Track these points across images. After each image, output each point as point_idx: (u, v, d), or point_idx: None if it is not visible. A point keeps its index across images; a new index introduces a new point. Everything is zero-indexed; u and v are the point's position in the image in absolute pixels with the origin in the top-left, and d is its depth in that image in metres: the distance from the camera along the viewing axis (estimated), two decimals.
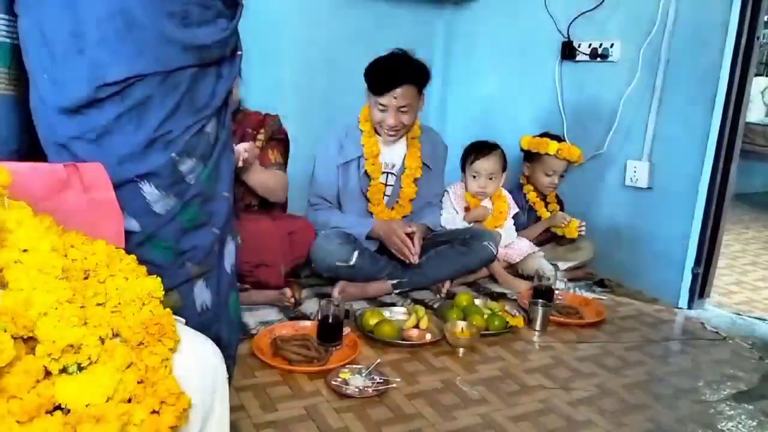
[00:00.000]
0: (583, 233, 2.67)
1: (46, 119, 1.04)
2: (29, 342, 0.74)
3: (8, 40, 1.08)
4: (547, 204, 2.79)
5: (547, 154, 2.65)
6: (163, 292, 0.87)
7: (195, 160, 1.10)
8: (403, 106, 2.31)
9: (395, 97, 2.29)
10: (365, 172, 2.45)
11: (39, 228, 0.81)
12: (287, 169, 2.32)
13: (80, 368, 0.75)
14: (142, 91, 1.01)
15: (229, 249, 1.25)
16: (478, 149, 2.64)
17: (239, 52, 1.21)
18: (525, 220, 2.76)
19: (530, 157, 2.74)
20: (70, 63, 0.99)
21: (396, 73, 2.28)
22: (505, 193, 2.71)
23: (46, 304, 0.74)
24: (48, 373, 0.73)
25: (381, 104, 2.31)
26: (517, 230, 2.71)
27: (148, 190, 1.05)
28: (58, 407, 0.72)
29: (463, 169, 2.68)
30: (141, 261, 1.00)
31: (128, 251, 1.00)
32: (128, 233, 1.04)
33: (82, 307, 0.79)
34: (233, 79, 1.18)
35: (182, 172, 1.08)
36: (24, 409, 0.68)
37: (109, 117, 1.01)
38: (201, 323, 1.14)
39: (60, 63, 0.99)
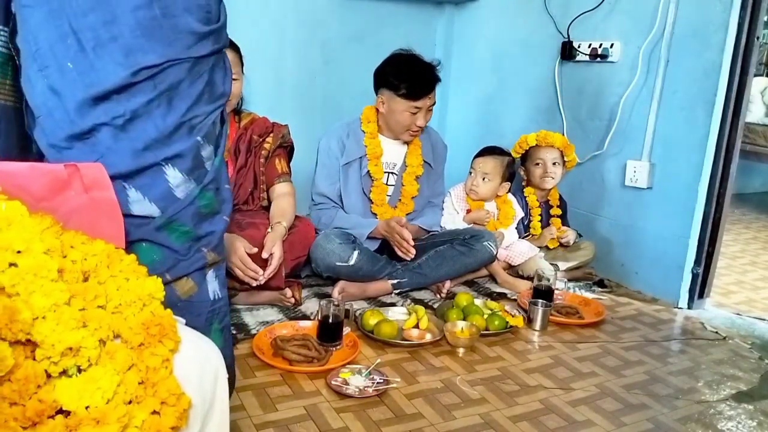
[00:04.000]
0: (569, 243, 2.68)
1: (64, 113, 1.03)
2: (28, 345, 0.74)
3: (6, 51, 1.08)
4: (550, 207, 2.78)
5: (530, 147, 2.70)
6: (179, 279, 0.87)
7: (212, 147, 1.15)
8: (432, 105, 2.40)
9: (429, 98, 2.36)
10: (368, 172, 2.45)
11: (32, 228, 0.80)
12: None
13: (80, 371, 0.75)
14: (175, 76, 1.05)
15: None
16: (485, 149, 2.67)
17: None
18: (522, 226, 2.75)
19: (523, 160, 2.77)
20: (104, 50, 1.01)
21: (432, 76, 2.36)
22: (510, 197, 2.71)
23: (43, 307, 0.74)
24: (49, 377, 0.73)
25: (416, 107, 2.35)
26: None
27: (172, 173, 1.08)
28: (59, 411, 0.72)
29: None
30: (159, 245, 1.06)
31: (147, 236, 1.06)
32: (147, 218, 1.07)
33: (81, 309, 0.78)
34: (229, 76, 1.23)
35: (203, 157, 1.13)
36: (26, 416, 0.68)
37: (140, 102, 1.03)
38: (214, 310, 1.18)
39: (90, 51, 1.01)
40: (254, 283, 1.98)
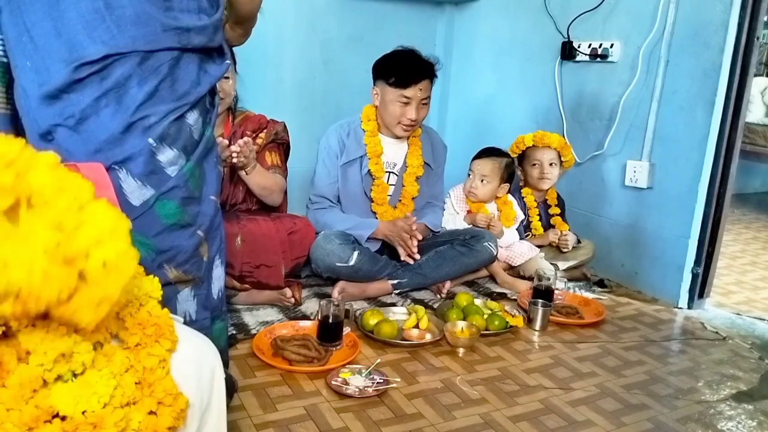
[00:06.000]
0: (566, 248, 2.67)
1: (31, 112, 1.01)
2: (11, 341, 0.73)
3: (4, 59, 1.06)
4: (548, 207, 2.78)
5: (528, 147, 2.69)
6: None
7: (176, 152, 1.07)
8: (425, 99, 2.38)
9: (420, 89, 2.34)
10: (368, 171, 2.45)
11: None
12: (286, 176, 2.32)
13: (75, 375, 0.74)
14: (121, 71, 0.99)
15: (217, 273, 1.21)
16: (483, 151, 2.66)
17: (227, 61, 1.18)
18: (522, 227, 2.74)
19: (520, 161, 2.76)
20: (50, 46, 0.97)
21: (420, 65, 2.35)
22: (511, 199, 2.70)
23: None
24: (45, 382, 0.73)
25: (405, 97, 2.34)
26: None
27: (125, 178, 1.02)
28: (56, 415, 0.72)
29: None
30: None
31: None
32: None
33: None
34: (218, 79, 1.15)
35: (161, 161, 1.05)
36: (23, 421, 0.68)
37: (88, 100, 0.98)
38: None
39: (41, 47, 0.98)
40: None
